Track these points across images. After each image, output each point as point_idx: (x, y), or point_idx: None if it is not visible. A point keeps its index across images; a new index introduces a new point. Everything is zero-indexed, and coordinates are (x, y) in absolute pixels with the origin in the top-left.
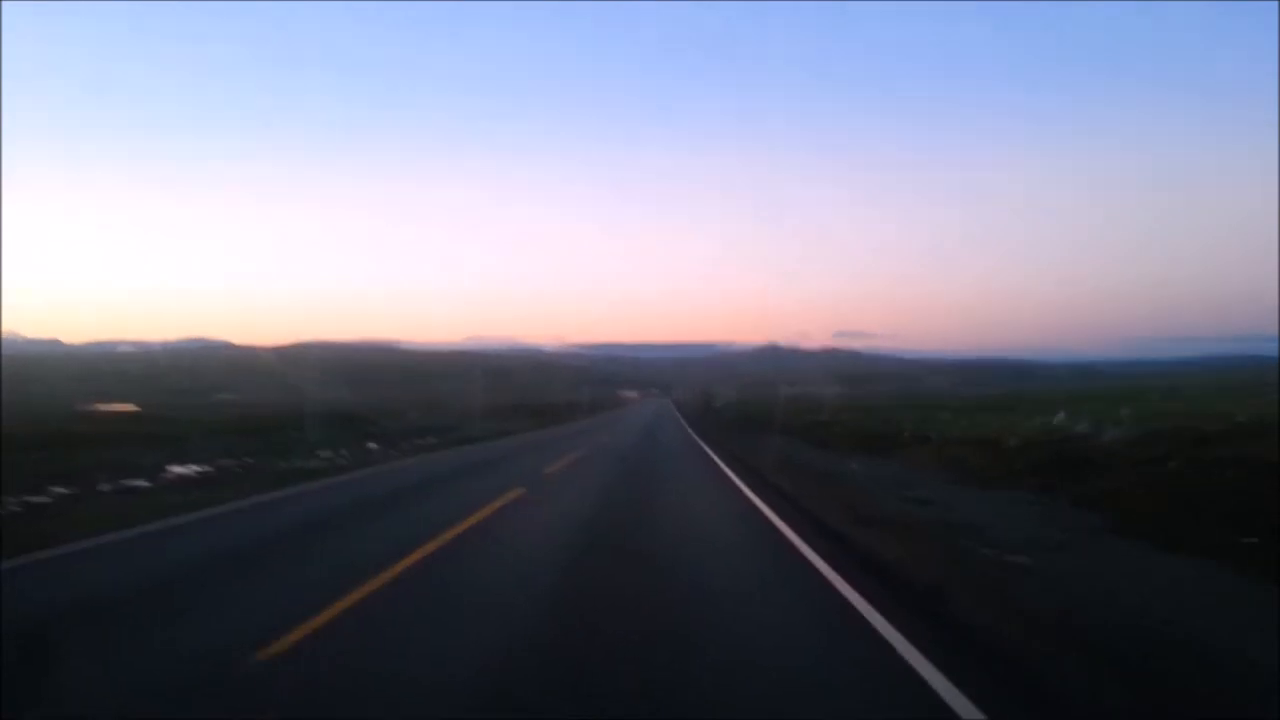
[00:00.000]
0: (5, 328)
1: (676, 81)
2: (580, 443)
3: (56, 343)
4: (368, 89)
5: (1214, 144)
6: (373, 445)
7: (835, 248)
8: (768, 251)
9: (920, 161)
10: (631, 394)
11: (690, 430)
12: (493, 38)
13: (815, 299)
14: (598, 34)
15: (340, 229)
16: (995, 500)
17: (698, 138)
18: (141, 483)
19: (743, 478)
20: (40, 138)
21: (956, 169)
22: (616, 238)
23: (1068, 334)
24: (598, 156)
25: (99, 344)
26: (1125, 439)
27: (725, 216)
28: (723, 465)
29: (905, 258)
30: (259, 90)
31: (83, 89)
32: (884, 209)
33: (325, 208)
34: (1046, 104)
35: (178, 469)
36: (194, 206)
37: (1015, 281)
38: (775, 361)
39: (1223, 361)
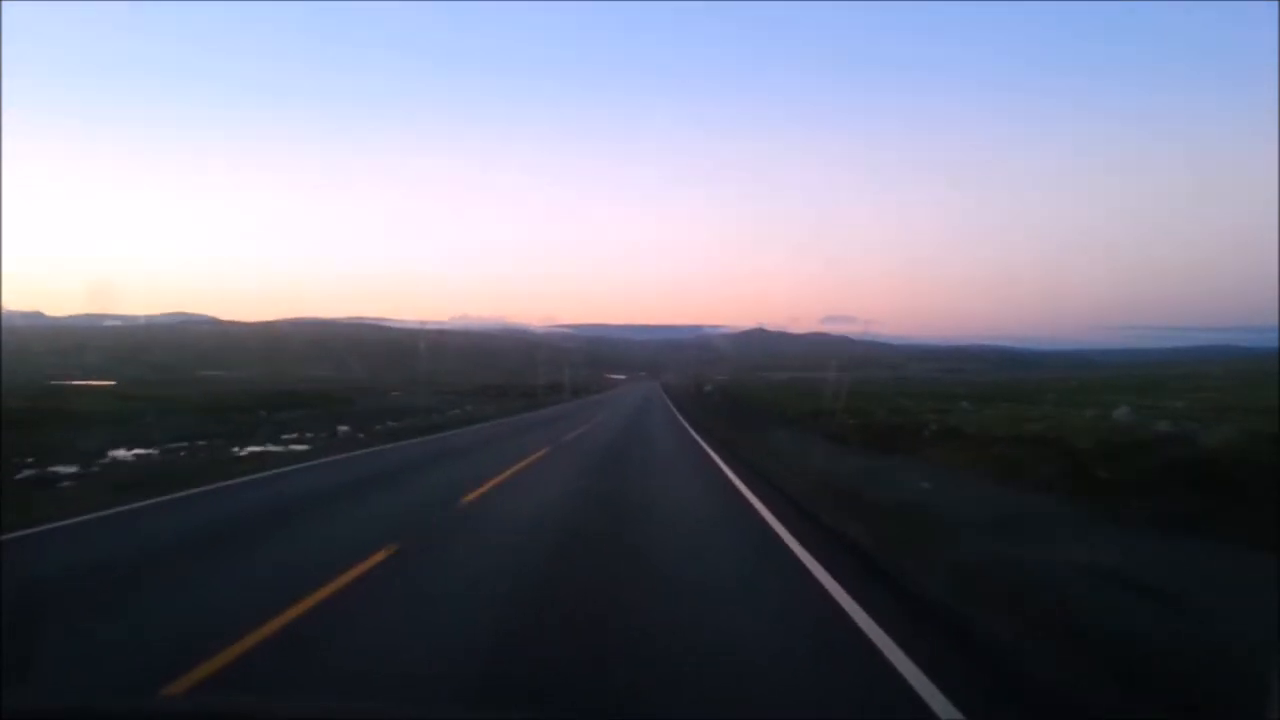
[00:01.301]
0: None
1: (671, 68)
2: (551, 434)
3: (40, 315)
4: (362, 70)
5: (1204, 135)
6: (344, 428)
7: (825, 234)
8: (758, 236)
9: (912, 151)
10: (619, 376)
11: (683, 420)
12: (485, 19)
13: (804, 284)
14: (590, 19)
15: (330, 206)
16: (1218, 570)
17: (691, 123)
18: (71, 469)
19: (780, 514)
20: (30, 111)
21: (947, 158)
22: (607, 220)
23: (1052, 323)
24: (590, 140)
25: (84, 317)
26: (1239, 443)
27: (716, 202)
28: (741, 485)
29: (894, 245)
30: (248, 67)
31: (74, 66)
32: (874, 197)
33: (315, 185)
34: (1039, 92)
35: (121, 453)
36: (181, 181)
37: (999, 271)
38: (763, 345)
39: (1212, 352)
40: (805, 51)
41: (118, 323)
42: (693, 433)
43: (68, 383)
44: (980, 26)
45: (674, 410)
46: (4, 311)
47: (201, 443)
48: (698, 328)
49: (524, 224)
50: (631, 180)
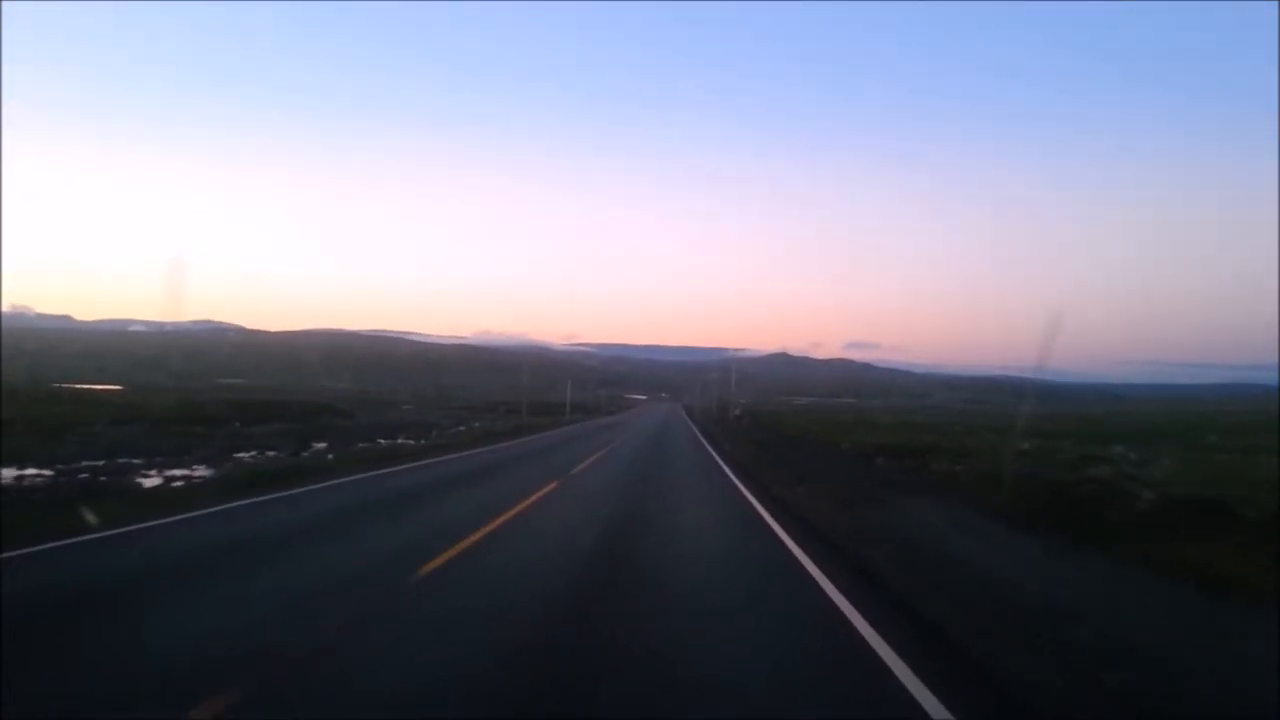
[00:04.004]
0: (18, 302)
1: (699, 89)
2: (526, 480)
3: (68, 319)
4: (390, 83)
5: (1235, 176)
6: (320, 445)
7: (851, 260)
8: (784, 261)
9: (938, 181)
10: (639, 397)
11: (718, 458)
12: (511, 35)
13: (828, 310)
14: (618, 40)
15: (359, 220)
16: None
17: (721, 146)
18: None
19: None
20: (61, 115)
21: (971, 190)
22: (632, 241)
23: (1072, 355)
24: (618, 159)
25: (111, 321)
26: None
27: (743, 226)
28: None
29: (919, 272)
30: (281, 77)
31: (108, 73)
32: (901, 225)
33: (343, 198)
34: (1068, 125)
35: (7, 473)
36: (211, 188)
37: (1019, 301)
38: (786, 370)
39: (1234, 389)
40: (834, 79)
41: (144, 328)
42: (751, 499)
43: (67, 386)
44: (1010, 61)
45: (704, 443)
46: (32, 314)
47: (127, 461)
48: (720, 350)
49: (549, 242)
50: (658, 203)
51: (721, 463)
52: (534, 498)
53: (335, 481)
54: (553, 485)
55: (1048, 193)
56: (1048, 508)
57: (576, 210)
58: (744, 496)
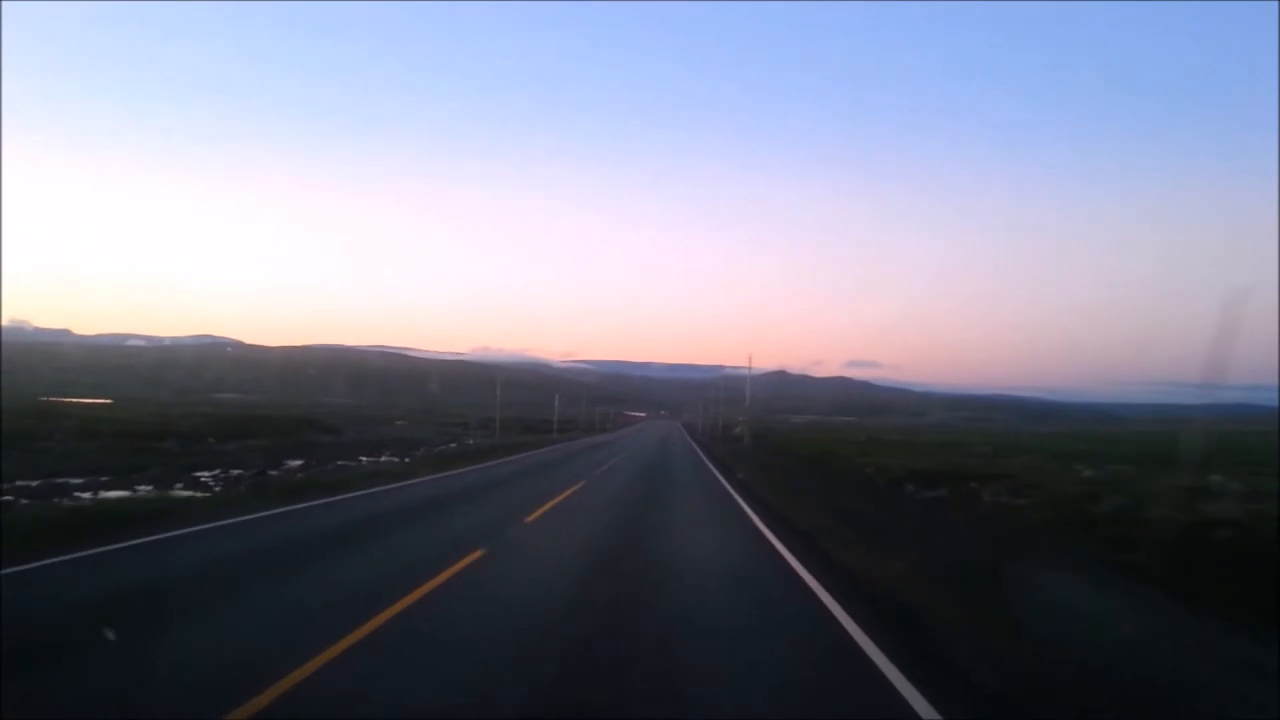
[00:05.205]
0: (17, 316)
1: (697, 104)
2: (451, 537)
3: (67, 333)
4: (388, 97)
5: (1236, 197)
6: (295, 463)
7: (851, 279)
8: (784, 279)
9: (937, 200)
10: (639, 414)
11: (734, 493)
12: (511, 50)
13: (828, 329)
14: (618, 55)
15: (357, 235)
16: None
17: (720, 164)
18: None
19: None
20: (61, 127)
21: (975, 210)
22: (631, 258)
23: (1070, 374)
24: (616, 176)
25: (109, 336)
26: None
27: (744, 244)
28: None
29: (918, 291)
30: (279, 93)
31: (108, 86)
32: (901, 243)
33: (343, 213)
34: (1067, 143)
35: None
36: (212, 203)
37: (1018, 320)
38: (785, 388)
39: (1232, 409)
40: (834, 97)
41: (141, 343)
42: (812, 585)
43: (52, 400)
44: (1010, 76)
45: (712, 469)
46: (30, 328)
47: (65, 481)
48: (719, 368)
49: (549, 258)
50: (657, 221)
51: (742, 502)
52: (439, 580)
53: (188, 530)
54: (476, 555)
55: (1048, 213)
56: (1221, 574)
57: (576, 227)
58: (799, 577)
